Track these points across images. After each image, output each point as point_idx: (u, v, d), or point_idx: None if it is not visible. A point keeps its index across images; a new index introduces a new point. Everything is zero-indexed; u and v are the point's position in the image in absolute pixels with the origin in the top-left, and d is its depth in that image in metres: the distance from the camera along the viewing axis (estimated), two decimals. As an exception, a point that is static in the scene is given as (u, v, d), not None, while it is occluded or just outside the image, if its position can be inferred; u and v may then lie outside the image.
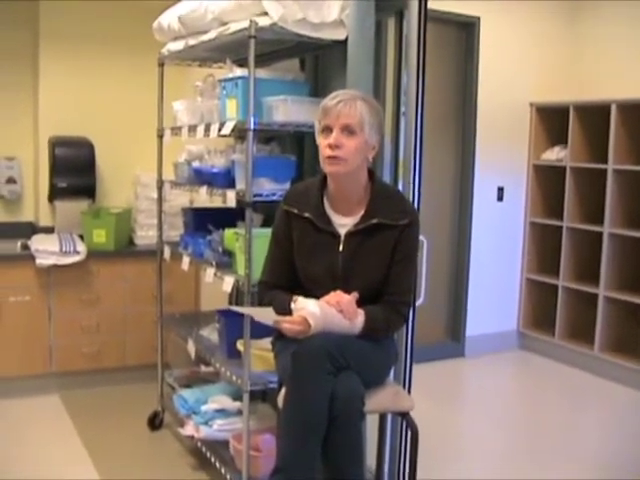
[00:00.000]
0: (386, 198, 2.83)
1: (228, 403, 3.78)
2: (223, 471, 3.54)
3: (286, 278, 2.90)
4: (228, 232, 3.60)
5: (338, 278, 2.78)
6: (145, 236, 5.21)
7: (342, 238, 2.79)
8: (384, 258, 2.78)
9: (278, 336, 2.87)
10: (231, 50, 3.71)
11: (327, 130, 2.71)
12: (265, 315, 2.75)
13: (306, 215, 2.81)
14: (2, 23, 5.14)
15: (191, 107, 4.01)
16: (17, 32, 5.20)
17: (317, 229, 2.80)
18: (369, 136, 2.71)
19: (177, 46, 4.00)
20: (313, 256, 2.82)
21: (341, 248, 2.78)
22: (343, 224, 2.81)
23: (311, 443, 2.55)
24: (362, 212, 2.79)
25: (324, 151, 2.71)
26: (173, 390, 4.37)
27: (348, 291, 2.74)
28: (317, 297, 2.73)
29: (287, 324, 2.61)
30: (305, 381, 2.56)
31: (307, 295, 2.78)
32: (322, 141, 2.73)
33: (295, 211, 2.84)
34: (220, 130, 3.38)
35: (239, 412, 3.64)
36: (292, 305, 2.68)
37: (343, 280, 2.77)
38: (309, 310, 2.61)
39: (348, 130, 2.68)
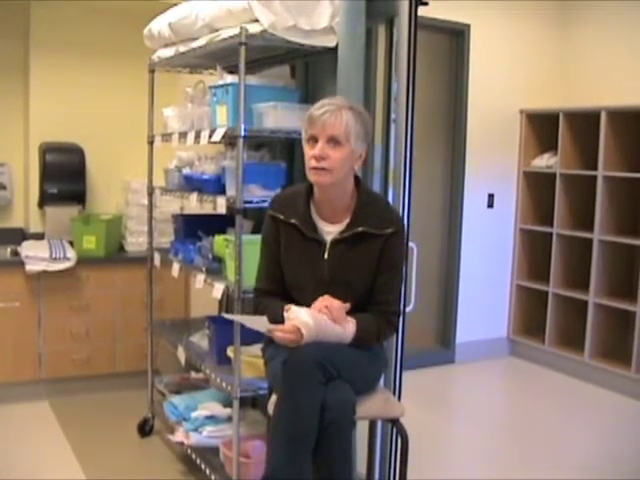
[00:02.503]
0: (372, 206, 2.82)
1: (218, 409, 3.78)
2: (213, 478, 3.53)
3: (280, 283, 2.90)
4: (218, 238, 3.60)
5: (323, 285, 2.77)
6: (135, 242, 5.21)
7: (327, 245, 2.79)
8: (369, 266, 2.77)
9: (268, 343, 2.87)
10: (221, 57, 3.72)
11: (313, 140, 2.70)
12: (258, 323, 2.75)
13: (292, 221, 2.81)
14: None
15: (181, 114, 4.01)
16: (7, 39, 5.19)
17: (303, 236, 2.80)
18: (355, 146, 2.70)
19: (167, 53, 4.01)
20: (299, 263, 2.82)
21: (326, 255, 2.78)
22: (329, 231, 2.80)
23: (302, 453, 2.54)
24: (348, 220, 2.79)
25: (309, 162, 2.70)
26: (163, 397, 4.36)
27: (334, 298, 2.74)
28: (303, 304, 2.74)
29: (280, 333, 2.61)
30: (296, 391, 2.56)
31: (293, 302, 2.79)
32: (308, 151, 2.72)
33: (281, 217, 2.84)
34: (210, 137, 3.38)
35: (229, 419, 3.64)
36: (285, 314, 2.68)
37: (328, 287, 2.76)
38: (302, 320, 2.61)
39: (333, 141, 2.66)
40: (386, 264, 2.78)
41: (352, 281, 2.78)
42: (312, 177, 2.72)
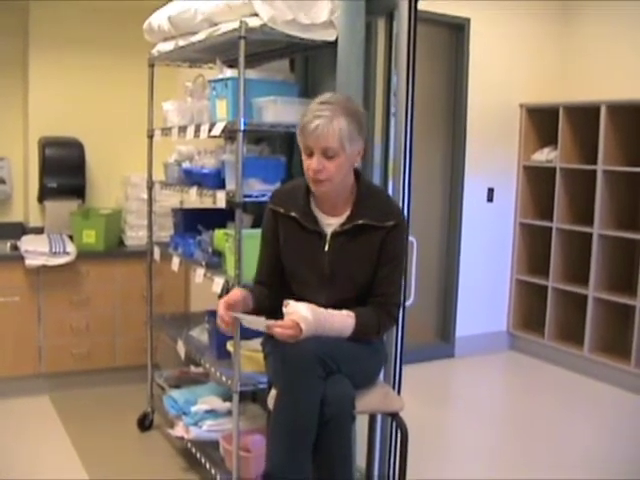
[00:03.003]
0: (372, 199, 2.82)
1: (218, 404, 3.78)
2: (213, 472, 3.54)
3: (278, 277, 2.91)
4: (218, 233, 3.60)
5: (324, 278, 2.78)
6: (135, 237, 5.21)
7: (328, 238, 2.79)
8: (370, 259, 2.77)
9: (268, 337, 2.87)
10: (221, 51, 3.71)
11: (308, 150, 2.68)
12: (255, 322, 2.73)
13: (292, 214, 2.81)
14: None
15: (181, 108, 4.00)
16: (6, 37, 5.20)
17: (303, 229, 2.80)
18: (351, 150, 2.67)
19: (167, 47, 4.00)
20: (299, 256, 2.83)
21: (327, 248, 2.78)
22: (329, 224, 2.81)
23: (302, 449, 2.55)
24: (348, 212, 2.79)
25: (307, 172, 2.70)
26: (163, 391, 4.36)
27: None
28: (304, 297, 2.75)
29: (279, 328, 2.60)
30: (296, 386, 2.56)
31: (295, 295, 2.80)
32: (305, 159, 2.71)
33: (281, 210, 2.84)
34: (210, 131, 3.38)
35: (229, 413, 3.64)
36: (284, 309, 2.68)
37: (329, 280, 2.78)
38: (301, 314, 2.61)
39: (329, 153, 2.64)
40: (387, 257, 2.78)
41: (353, 274, 2.78)
42: (312, 187, 2.74)
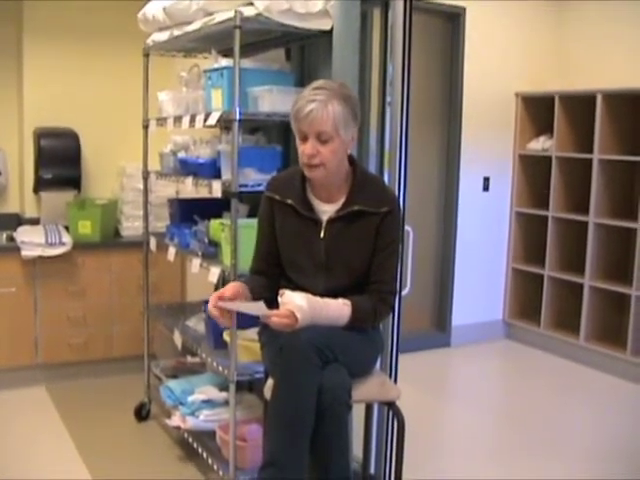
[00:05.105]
0: (367, 185, 2.82)
1: (214, 394, 3.79)
2: (210, 461, 3.55)
3: (273, 265, 2.91)
4: (214, 223, 3.60)
5: (320, 265, 2.79)
6: (131, 227, 5.21)
7: (324, 224, 2.79)
8: (366, 245, 2.78)
9: (264, 327, 2.87)
10: (216, 40, 3.70)
11: (302, 134, 2.68)
12: (254, 308, 2.73)
13: (288, 202, 2.81)
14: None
15: (176, 98, 3.99)
16: (1, 26, 5.17)
17: (299, 215, 2.80)
18: (345, 135, 2.67)
19: (162, 37, 3.99)
20: (295, 243, 2.83)
21: (322, 234, 2.78)
22: (325, 210, 2.81)
23: (300, 437, 2.55)
24: (344, 199, 2.79)
25: (302, 157, 2.70)
26: (160, 381, 4.37)
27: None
28: (301, 285, 2.76)
29: (275, 318, 2.60)
30: (293, 375, 2.56)
31: (292, 282, 2.81)
32: (299, 145, 2.71)
33: (277, 197, 2.84)
34: (206, 121, 3.37)
35: (225, 402, 3.65)
36: (279, 298, 2.68)
37: (325, 267, 2.78)
38: (296, 304, 2.61)
39: (323, 137, 2.64)
40: (382, 243, 2.78)
41: (349, 260, 2.78)
42: (306, 172, 2.73)
